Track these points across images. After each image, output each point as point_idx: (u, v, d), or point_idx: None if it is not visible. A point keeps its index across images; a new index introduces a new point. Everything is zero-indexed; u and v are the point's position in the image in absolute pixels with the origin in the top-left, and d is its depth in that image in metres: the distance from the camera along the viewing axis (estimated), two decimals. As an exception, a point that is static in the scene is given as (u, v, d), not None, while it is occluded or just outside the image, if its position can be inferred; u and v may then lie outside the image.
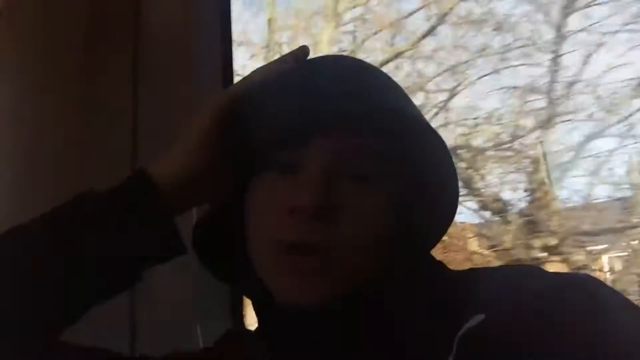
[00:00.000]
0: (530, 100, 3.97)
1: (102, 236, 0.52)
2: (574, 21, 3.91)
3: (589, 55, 3.84)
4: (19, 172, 0.99)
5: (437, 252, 0.56)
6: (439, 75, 4.18)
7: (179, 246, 0.56)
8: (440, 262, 0.55)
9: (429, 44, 4.17)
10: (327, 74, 0.53)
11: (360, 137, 0.49)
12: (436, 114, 4.05)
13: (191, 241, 0.58)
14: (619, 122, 3.80)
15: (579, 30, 3.86)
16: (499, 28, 3.99)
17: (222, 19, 1.08)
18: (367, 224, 0.49)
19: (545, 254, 3.54)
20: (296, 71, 0.54)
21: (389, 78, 0.56)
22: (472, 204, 3.91)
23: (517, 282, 0.46)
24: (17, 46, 1.04)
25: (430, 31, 4.13)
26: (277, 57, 0.57)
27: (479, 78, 4.07)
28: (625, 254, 3.57)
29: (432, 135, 0.51)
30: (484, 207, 3.87)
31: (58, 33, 1.10)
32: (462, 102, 4.18)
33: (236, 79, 1.06)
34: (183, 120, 0.94)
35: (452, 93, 4.12)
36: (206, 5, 1.08)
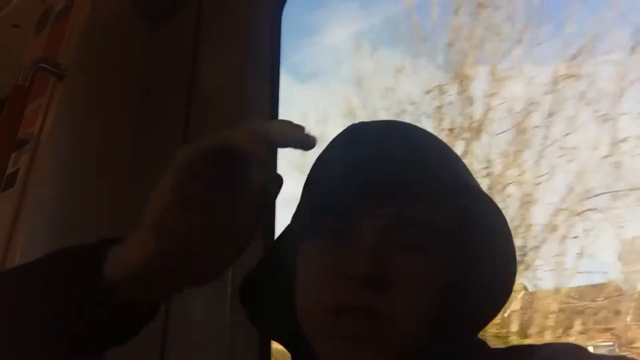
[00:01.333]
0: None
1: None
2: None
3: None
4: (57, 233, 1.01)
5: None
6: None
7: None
8: (481, 340, 0.53)
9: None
10: (382, 142, 0.52)
11: (415, 207, 0.48)
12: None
13: (239, 293, 0.57)
14: None
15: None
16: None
17: (272, 95, 1.11)
18: (418, 296, 0.47)
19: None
20: (353, 139, 0.54)
21: (445, 145, 0.55)
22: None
23: (562, 358, 0.45)
24: (73, 106, 1.09)
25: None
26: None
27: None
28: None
29: (490, 207, 0.50)
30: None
31: (113, 97, 1.15)
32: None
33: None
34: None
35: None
36: (258, 87, 1.12)
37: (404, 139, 0.53)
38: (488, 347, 0.52)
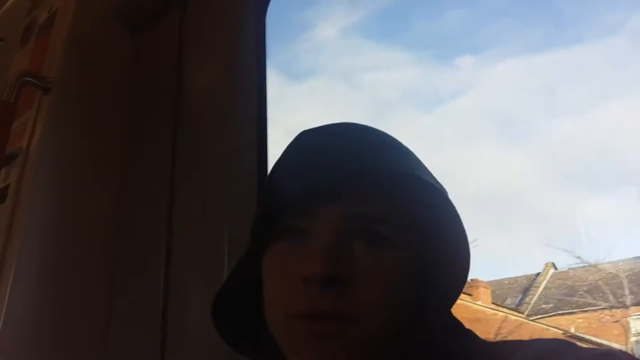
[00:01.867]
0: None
1: None
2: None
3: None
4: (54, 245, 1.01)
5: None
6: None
7: None
8: (469, 331, 0.53)
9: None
10: (330, 143, 0.52)
11: (368, 202, 0.49)
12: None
13: (211, 314, 0.56)
14: None
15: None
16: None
17: (259, 99, 1.11)
18: (383, 291, 0.47)
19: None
20: (303, 141, 0.54)
21: (393, 140, 0.55)
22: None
23: (549, 356, 0.44)
24: (60, 119, 1.09)
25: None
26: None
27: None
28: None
29: (439, 194, 0.51)
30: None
31: (100, 107, 1.16)
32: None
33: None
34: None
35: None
36: (243, 91, 1.12)
37: (351, 137, 0.53)
38: (478, 338, 0.52)
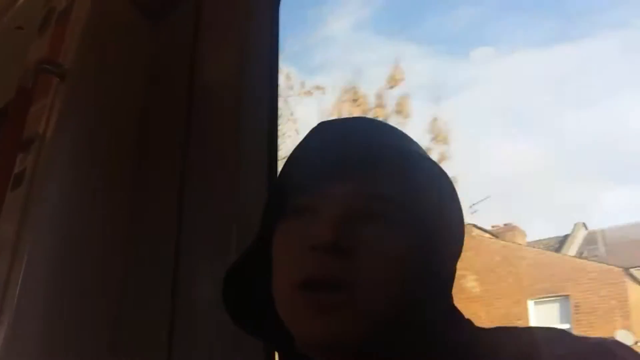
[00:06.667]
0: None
1: None
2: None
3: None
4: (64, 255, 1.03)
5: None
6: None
7: None
8: (467, 320, 0.54)
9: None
10: (341, 131, 0.57)
11: (377, 182, 0.51)
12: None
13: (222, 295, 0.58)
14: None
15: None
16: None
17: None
18: (385, 267, 0.49)
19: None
20: (317, 130, 0.57)
21: (397, 130, 0.59)
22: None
23: (543, 345, 0.45)
24: (75, 105, 1.10)
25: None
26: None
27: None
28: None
29: (441, 173, 0.53)
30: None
31: (115, 94, 1.17)
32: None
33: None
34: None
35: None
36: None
37: (360, 126, 0.58)
38: (474, 326, 0.53)
